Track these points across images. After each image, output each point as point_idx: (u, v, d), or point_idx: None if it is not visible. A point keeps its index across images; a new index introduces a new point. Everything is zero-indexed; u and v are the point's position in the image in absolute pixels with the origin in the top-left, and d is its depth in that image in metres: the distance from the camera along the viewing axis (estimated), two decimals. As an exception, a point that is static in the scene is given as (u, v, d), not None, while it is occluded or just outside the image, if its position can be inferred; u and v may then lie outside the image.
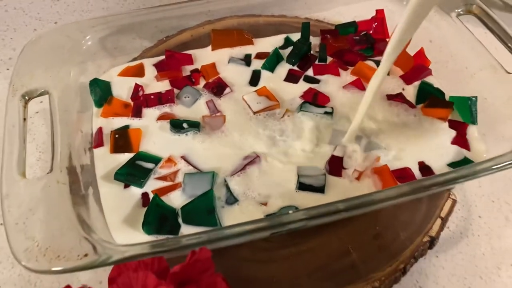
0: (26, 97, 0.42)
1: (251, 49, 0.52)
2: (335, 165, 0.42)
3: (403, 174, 0.42)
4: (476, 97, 0.46)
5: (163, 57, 0.51)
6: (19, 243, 0.32)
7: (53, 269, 0.31)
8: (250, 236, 0.34)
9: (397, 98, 0.47)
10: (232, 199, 0.40)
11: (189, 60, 0.51)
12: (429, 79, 0.50)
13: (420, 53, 0.52)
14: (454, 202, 0.43)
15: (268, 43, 0.53)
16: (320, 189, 0.41)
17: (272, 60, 0.50)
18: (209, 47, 0.52)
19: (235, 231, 0.32)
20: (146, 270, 0.33)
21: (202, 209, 0.38)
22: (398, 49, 0.37)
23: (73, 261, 0.31)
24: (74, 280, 0.41)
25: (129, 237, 0.37)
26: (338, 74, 0.50)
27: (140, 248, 0.32)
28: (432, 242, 0.41)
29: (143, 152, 0.43)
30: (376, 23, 0.54)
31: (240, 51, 0.52)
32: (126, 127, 0.45)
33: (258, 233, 0.33)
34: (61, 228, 0.33)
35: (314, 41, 0.53)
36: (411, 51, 0.52)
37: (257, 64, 0.51)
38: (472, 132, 0.46)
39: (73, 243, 0.32)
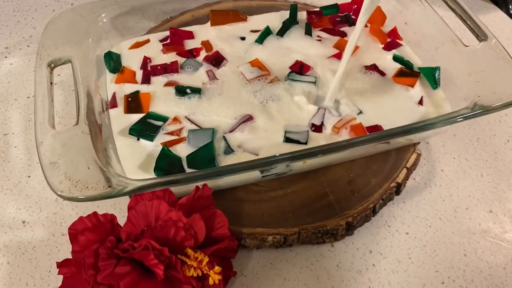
0: (52, 65, 0.48)
1: (246, 25, 0.59)
2: (316, 125, 0.49)
3: (375, 130, 0.49)
4: (438, 67, 0.53)
5: (167, 33, 0.58)
6: (54, 177, 0.38)
7: (83, 196, 0.38)
8: (243, 174, 0.40)
9: (372, 68, 0.54)
10: (229, 150, 0.47)
11: (191, 36, 0.58)
12: (403, 53, 0.57)
13: (394, 31, 0.59)
14: (419, 155, 0.50)
15: (261, 20, 0.60)
16: (304, 143, 0.48)
17: (263, 36, 0.57)
18: (209, 23, 0.59)
19: (231, 168, 0.40)
20: (159, 200, 0.40)
21: (204, 158, 0.45)
22: (368, 13, 0.45)
23: (99, 191, 0.38)
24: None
25: (142, 179, 0.44)
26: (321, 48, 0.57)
27: (150, 180, 0.39)
28: (398, 188, 0.48)
29: (153, 112, 0.50)
30: (355, 6, 0.62)
31: (236, 27, 0.59)
32: (137, 92, 0.52)
33: (250, 170, 0.40)
34: (87, 166, 0.40)
35: (301, 21, 0.61)
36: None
37: (251, 39, 0.58)
38: (439, 95, 0.53)
39: (99, 178, 0.39)
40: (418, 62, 0.57)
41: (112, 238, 0.38)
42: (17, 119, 0.57)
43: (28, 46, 0.65)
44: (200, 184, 0.41)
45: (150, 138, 0.47)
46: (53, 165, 0.40)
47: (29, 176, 0.52)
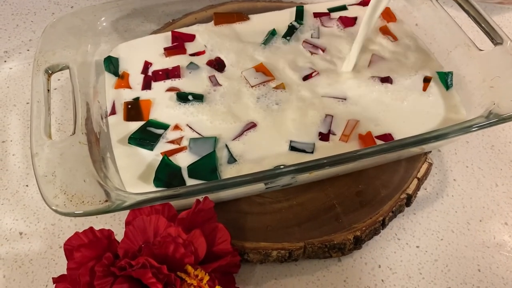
0: (49, 71, 0.47)
1: (251, 26, 0.57)
2: (323, 133, 0.47)
3: (385, 139, 0.47)
4: (451, 72, 0.51)
5: (169, 35, 0.56)
6: (49, 191, 0.37)
7: (79, 211, 0.36)
8: (247, 186, 0.38)
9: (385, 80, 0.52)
10: (232, 160, 0.45)
11: (194, 38, 0.56)
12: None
13: (404, 33, 0.57)
14: (430, 165, 0.48)
15: (267, 19, 0.58)
16: (310, 152, 0.46)
17: (269, 39, 0.55)
18: (212, 23, 0.58)
19: (234, 181, 0.38)
20: (158, 215, 0.38)
21: (206, 168, 0.44)
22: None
23: (95, 205, 0.36)
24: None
25: (141, 191, 0.42)
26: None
27: (149, 194, 0.37)
28: (409, 199, 0.46)
29: (153, 120, 0.48)
30: (364, 7, 0.59)
31: (241, 26, 0.57)
32: (137, 99, 0.50)
33: (253, 183, 0.38)
34: (84, 179, 0.38)
35: (308, 22, 0.59)
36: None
37: (256, 40, 0.56)
38: (454, 100, 0.50)
39: (95, 191, 0.37)
40: (434, 64, 0.54)
41: (109, 255, 0.36)
42: (16, 125, 0.56)
43: (28, 50, 0.63)
44: (201, 197, 0.39)
45: (150, 147, 0.46)
46: (48, 178, 0.38)
47: (27, 185, 0.51)
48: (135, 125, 0.48)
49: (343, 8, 0.60)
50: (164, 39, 0.56)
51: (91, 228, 0.38)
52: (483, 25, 0.50)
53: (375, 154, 0.40)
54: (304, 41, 0.56)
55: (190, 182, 0.43)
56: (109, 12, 0.55)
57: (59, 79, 0.59)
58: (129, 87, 0.51)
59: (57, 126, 0.55)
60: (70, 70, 0.47)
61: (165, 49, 0.55)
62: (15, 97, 0.59)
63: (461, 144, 0.54)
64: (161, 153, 0.45)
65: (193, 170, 0.44)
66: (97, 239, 0.38)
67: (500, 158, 0.53)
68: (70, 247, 0.38)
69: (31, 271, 0.45)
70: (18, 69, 0.61)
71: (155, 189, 0.43)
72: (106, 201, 0.37)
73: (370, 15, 0.49)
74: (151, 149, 0.46)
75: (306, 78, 0.52)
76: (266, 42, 0.55)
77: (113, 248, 0.38)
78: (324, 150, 0.46)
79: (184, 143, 0.46)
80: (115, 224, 0.47)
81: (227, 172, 0.44)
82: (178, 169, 0.44)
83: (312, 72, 0.52)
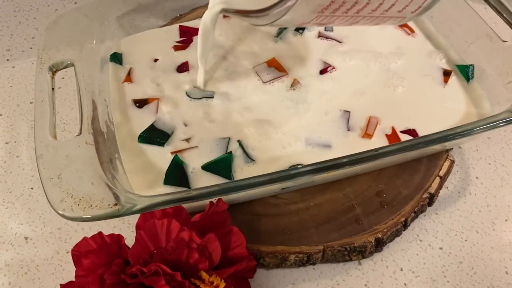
0: (54, 69, 0.45)
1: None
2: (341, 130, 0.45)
3: (409, 135, 0.45)
4: (472, 65, 0.49)
5: (176, 29, 0.54)
6: (55, 195, 0.35)
7: (87, 216, 0.34)
8: (263, 187, 0.36)
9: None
10: (246, 159, 0.43)
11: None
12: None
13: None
14: (452, 162, 0.46)
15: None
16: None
17: (280, 31, 0.53)
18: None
19: (249, 182, 0.36)
20: (170, 218, 0.36)
21: (220, 169, 0.42)
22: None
23: (104, 209, 0.35)
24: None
25: (151, 193, 0.40)
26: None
27: (161, 197, 0.35)
28: (431, 199, 0.44)
29: (162, 117, 0.46)
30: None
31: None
32: (145, 95, 0.48)
33: (270, 184, 0.36)
34: (91, 181, 0.36)
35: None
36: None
37: (266, 32, 0.54)
38: (477, 93, 0.48)
39: (104, 194, 0.35)
40: (455, 57, 0.52)
41: (119, 261, 0.35)
42: (20, 126, 0.54)
43: (31, 48, 0.61)
44: (214, 199, 0.37)
45: (160, 146, 0.44)
46: (54, 181, 0.36)
47: (32, 188, 0.49)
48: (144, 124, 0.46)
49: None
50: (169, 32, 0.54)
51: (100, 233, 0.36)
52: (505, 15, 0.48)
53: (397, 152, 0.38)
54: (319, 35, 0.53)
55: (203, 178, 0.42)
56: (114, 7, 0.53)
57: (63, 78, 0.57)
58: (137, 84, 0.49)
59: (62, 126, 0.53)
60: (75, 68, 0.45)
61: (174, 44, 0.53)
62: (18, 96, 0.57)
63: (483, 140, 0.52)
64: (170, 152, 0.43)
65: (207, 169, 0.42)
66: (106, 244, 0.36)
67: (524, 155, 0.51)
68: (78, 253, 0.36)
69: (37, 277, 0.43)
70: (21, 68, 0.59)
71: (165, 191, 0.41)
72: (116, 204, 0.35)
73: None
74: (162, 146, 0.44)
75: (322, 72, 0.49)
76: (277, 35, 0.53)
77: (123, 254, 0.36)
78: (343, 147, 0.44)
79: (195, 141, 0.44)
80: (124, 228, 0.45)
81: (241, 172, 0.42)
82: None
83: (328, 67, 0.50)
